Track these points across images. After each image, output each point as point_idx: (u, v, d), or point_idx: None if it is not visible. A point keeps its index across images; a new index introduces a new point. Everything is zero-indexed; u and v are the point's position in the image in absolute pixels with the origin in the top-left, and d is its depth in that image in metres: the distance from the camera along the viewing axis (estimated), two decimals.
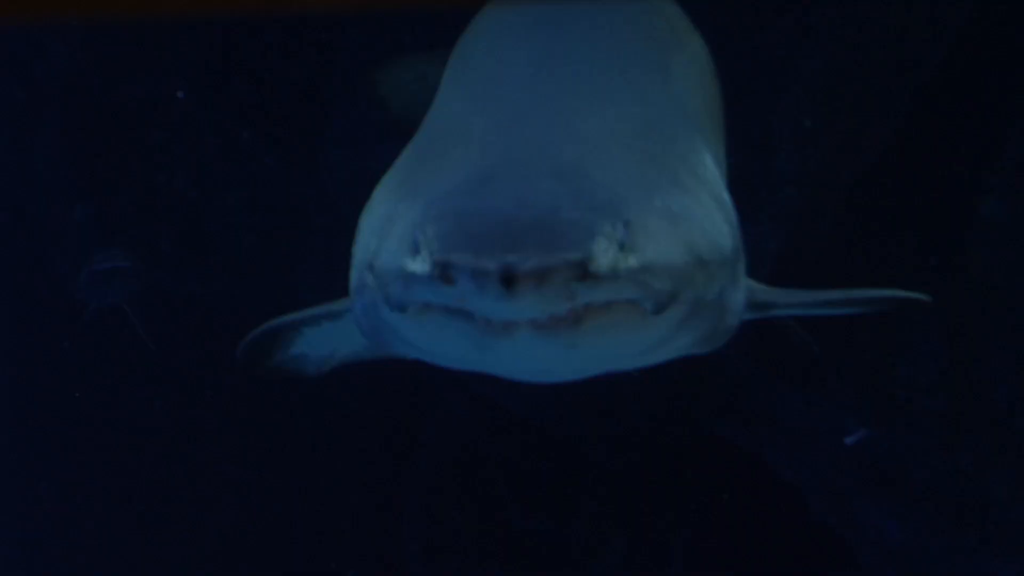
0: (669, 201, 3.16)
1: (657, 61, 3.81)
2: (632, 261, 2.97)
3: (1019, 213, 6.38)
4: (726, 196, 3.54)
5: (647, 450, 7.10)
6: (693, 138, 3.56)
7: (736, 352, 6.67)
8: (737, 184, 4.60)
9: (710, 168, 3.53)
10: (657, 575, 7.13)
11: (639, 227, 3.02)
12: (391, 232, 3.17)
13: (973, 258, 6.48)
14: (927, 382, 6.52)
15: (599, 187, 3.05)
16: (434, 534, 7.30)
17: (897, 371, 6.56)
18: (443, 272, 2.89)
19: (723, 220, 3.37)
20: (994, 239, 6.43)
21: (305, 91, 6.94)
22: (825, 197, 6.65)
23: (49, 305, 7.49)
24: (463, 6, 3.91)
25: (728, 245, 3.33)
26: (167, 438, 7.51)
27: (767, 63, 6.74)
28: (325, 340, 4.09)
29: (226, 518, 7.53)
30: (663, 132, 3.44)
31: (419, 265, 2.98)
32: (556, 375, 3.49)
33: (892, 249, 6.59)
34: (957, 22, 6.46)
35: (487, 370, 3.44)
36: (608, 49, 3.73)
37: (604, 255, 2.91)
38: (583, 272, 2.88)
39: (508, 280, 2.80)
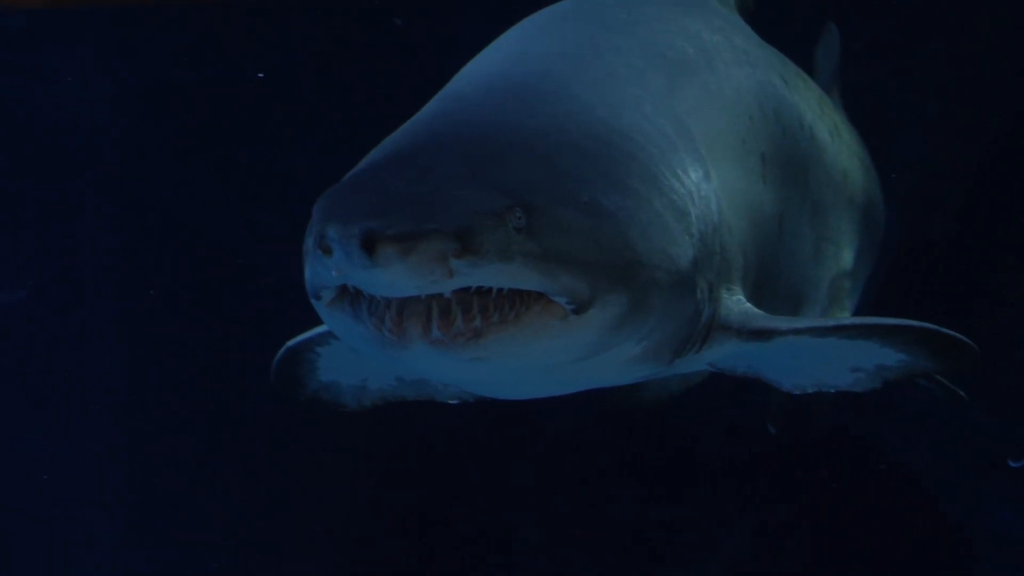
0: (599, 198, 2.99)
1: (661, 79, 3.58)
2: (532, 246, 2.82)
3: None
4: (696, 210, 3.29)
5: (760, 439, 7.05)
6: (676, 153, 3.35)
7: None
8: None
9: (687, 183, 3.31)
10: (773, 568, 7.09)
11: (547, 214, 2.87)
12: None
13: None
14: None
15: (507, 173, 2.92)
16: (547, 524, 7.29)
17: (1016, 357, 6.48)
18: (320, 241, 2.81)
19: (681, 231, 3.17)
20: None
21: (423, 74, 6.92)
22: (949, 184, 6.58)
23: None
24: None
25: (682, 255, 3.14)
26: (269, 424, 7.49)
27: (888, 46, 6.68)
28: (350, 365, 3.87)
29: (341, 496, 7.56)
30: (628, 139, 3.24)
31: (311, 240, 2.93)
32: (502, 389, 3.33)
33: (1015, 238, 6.52)
34: None
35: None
36: (600, 61, 3.54)
37: (490, 233, 2.77)
38: (460, 247, 2.74)
39: (369, 246, 2.70)
